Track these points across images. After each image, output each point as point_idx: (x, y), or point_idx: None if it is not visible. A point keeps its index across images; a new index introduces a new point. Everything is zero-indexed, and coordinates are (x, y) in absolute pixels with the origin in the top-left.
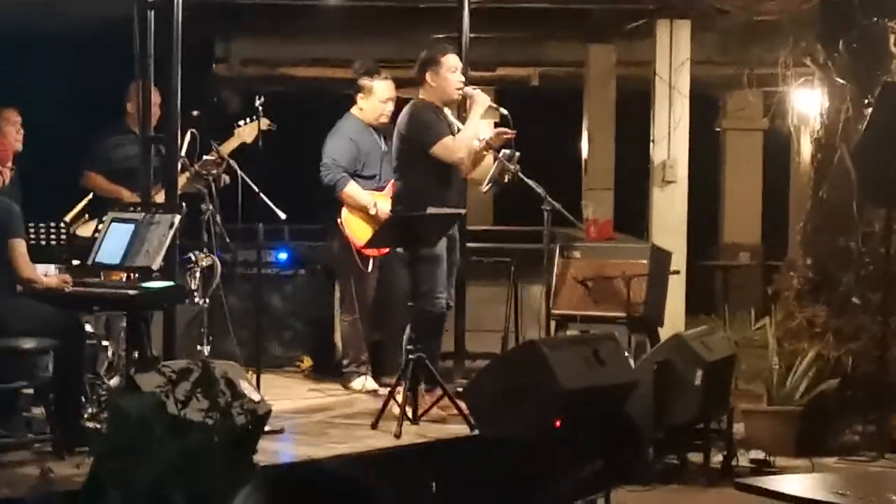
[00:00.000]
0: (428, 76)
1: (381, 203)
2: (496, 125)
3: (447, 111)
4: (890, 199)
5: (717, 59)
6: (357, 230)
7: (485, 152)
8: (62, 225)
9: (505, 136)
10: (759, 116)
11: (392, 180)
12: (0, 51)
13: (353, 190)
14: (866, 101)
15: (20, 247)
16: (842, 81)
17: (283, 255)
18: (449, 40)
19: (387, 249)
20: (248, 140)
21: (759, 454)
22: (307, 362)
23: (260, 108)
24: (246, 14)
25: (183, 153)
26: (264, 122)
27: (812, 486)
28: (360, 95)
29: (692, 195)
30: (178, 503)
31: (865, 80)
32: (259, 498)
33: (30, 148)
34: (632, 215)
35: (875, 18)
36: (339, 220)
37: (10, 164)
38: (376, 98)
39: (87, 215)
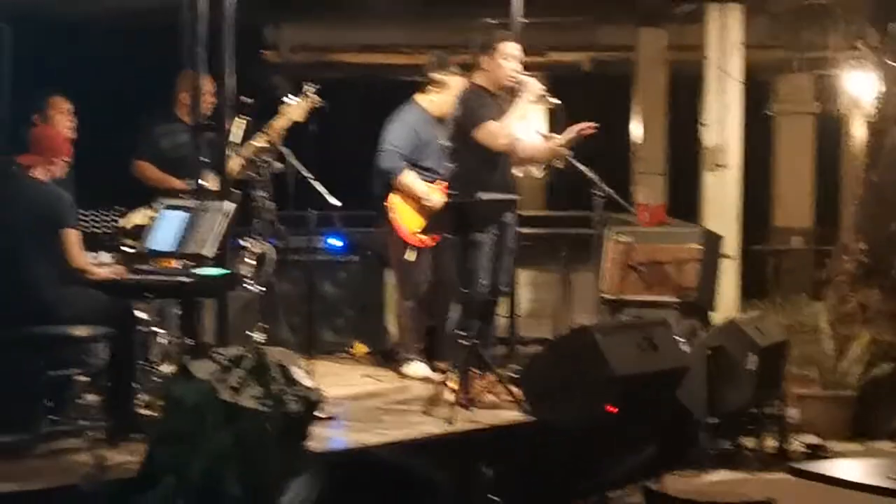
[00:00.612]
0: (483, 61)
1: (435, 195)
2: (550, 114)
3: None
4: None
5: (769, 43)
6: (405, 217)
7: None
8: (115, 213)
9: (584, 133)
10: (810, 100)
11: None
12: (51, 40)
13: (408, 178)
14: None
15: (73, 236)
16: (894, 64)
17: (335, 242)
18: (501, 25)
19: (432, 239)
20: (298, 118)
21: (812, 439)
22: (359, 348)
23: (311, 91)
24: (296, 0)
25: (237, 140)
26: (313, 98)
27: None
28: (433, 87)
29: (746, 179)
30: (232, 489)
31: None
32: (315, 484)
33: (82, 138)
34: (685, 200)
35: None
36: (387, 204)
37: (65, 156)
38: (451, 93)
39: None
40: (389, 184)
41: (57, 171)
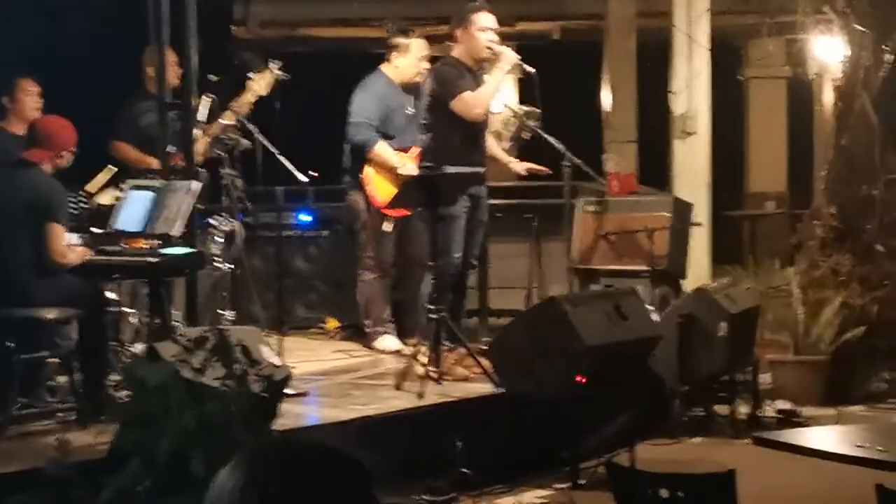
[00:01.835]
0: (458, 33)
1: (408, 164)
2: (521, 83)
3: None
4: None
5: (738, 8)
6: (380, 188)
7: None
8: (82, 194)
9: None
10: (781, 65)
11: (413, 145)
12: (16, 19)
13: (382, 149)
14: (886, 48)
15: (59, 231)
16: (861, 28)
17: (305, 217)
18: None
19: (408, 210)
20: (263, 92)
21: (785, 404)
22: (332, 324)
23: (276, 67)
24: None
25: (203, 118)
26: (276, 72)
27: (832, 440)
28: (394, 53)
29: (716, 145)
30: (198, 470)
31: (884, 27)
32: (240, 474)
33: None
34: (656, 168)
35: None
36: (360, 177)
37: (72, 146)
38: (413, 55)
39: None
40: (363, 156)
41: (64, 162)
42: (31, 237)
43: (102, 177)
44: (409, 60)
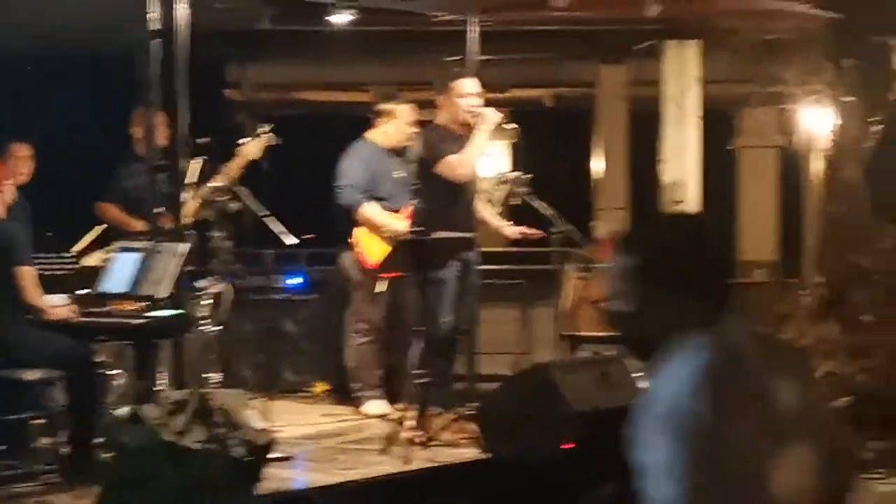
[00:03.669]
0: (439, 100)
1: (398, 224)
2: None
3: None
4: None
5: (730, 78)
6: (370, 249)
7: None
8: (70, 255)
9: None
10: (772, 134)
11: (403, 204)
12: (10, 80)
13: (369, 210)
14: (874, 119)
15: (28, 274)
16: (849, 99)
17: (295, 280)
18: (459, 63)
19: (399, 273)
20: (254, 157)
21: None
22: (320, 387)
23: (263, 128)
24: (258, 39)
25: (193, 180)
26: (267, 137)
27: None
28: (381, 119)
29: (709, 213)
30: None
31: (872, 98)
32: None
33: (44, 178)
34: None
35: (881, 37)
36: (350, 240)
37: (6, 178)
38: (401, 121)
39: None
40: (352, 219)
41: (8, 197)
42: (2, 289)
43: (89, 237)
44: (395, 126)
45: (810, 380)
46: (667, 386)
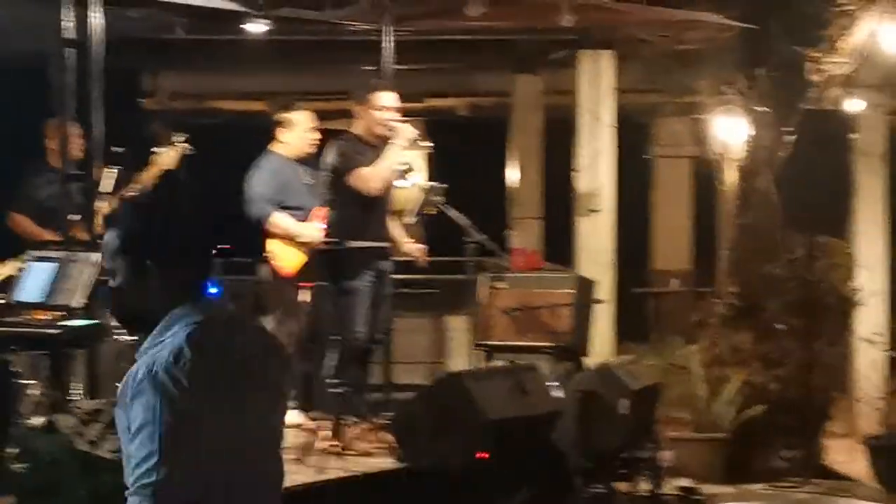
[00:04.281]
0: (356, 110)
1: (311, 230)
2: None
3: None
4: (812, 226)
5: (643, 87)
6: (285, 258)
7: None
8: None
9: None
10: (686, 143)
11: (314, 208)
12: None
13: (279, 219)
14: (787, 129)
15: None
16: (762, 109)
17: (212, 290)
18: (377, 72)
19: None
20: (169, 166)
21: (686, 482)
22: None
23: (178, 137)
24: (173, 48)
25: (108, 190)
26: (182, 146)
27: None
28: (281, 129)
29: (624, 222)
30: None
31: (785, 108)
32: None
33: None
34: (561, 245)
35: (792, 47)
36: (264, 253)
37: None
38: (300, 129)
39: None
40: (263, 230)
41: None
42: None
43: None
44: (295, 134)
45: (273, 351)
46: (151, 354)
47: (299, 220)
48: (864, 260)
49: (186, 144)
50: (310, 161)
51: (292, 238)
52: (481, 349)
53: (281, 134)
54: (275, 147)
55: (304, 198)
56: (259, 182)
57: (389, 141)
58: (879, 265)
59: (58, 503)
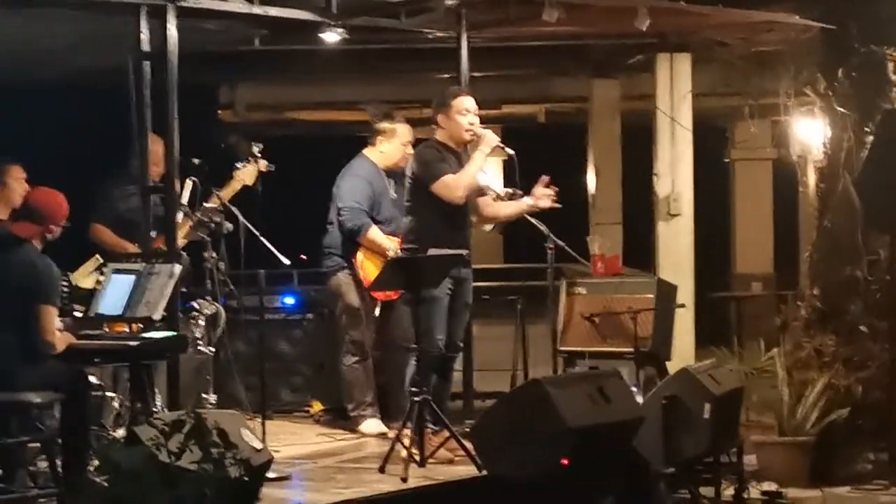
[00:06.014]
0: (439, 118)
1: (396, 248)
2: (504, 165)
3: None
4: (894, 227)
5: (721, 91)
6: (371, 272)
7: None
8: (64, 277)
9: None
10: (766, 146)
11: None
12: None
13: (375, 234)
14: (867, 129)
15: (52, 314)
16: (842, 110)
17: (289, 300)
18: (454, 80)
19: (393, 293)
20: (249, 182)
21: (770, 486)
22: (316, 407)
23: (257, 150)
24: (250, 60)
25: (185, 201)
26: (262, 164)
27: None
28: (380, 138)
29: (703, 226)
30: None
31: (866, 109)
32: None
33: None
34: (641, 250)
35: (873, 46)
36: (354, 261)
37: (64, 219)
38: (399, 141)
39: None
40: (355, 241)
41: (55, 235)
42: (21, 320)
43: (90, 265)
44: (394, 145)
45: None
46: None
47: (385, 234)
48: None
49: (266, 162)
50: (392, 175)
51: (380, 253)
52: (562, 355)
53: (380, 143)
54: (370, 153)
55: (391, 213)
56: (355, 191)
57: (474, 147)
58: None
59: None
